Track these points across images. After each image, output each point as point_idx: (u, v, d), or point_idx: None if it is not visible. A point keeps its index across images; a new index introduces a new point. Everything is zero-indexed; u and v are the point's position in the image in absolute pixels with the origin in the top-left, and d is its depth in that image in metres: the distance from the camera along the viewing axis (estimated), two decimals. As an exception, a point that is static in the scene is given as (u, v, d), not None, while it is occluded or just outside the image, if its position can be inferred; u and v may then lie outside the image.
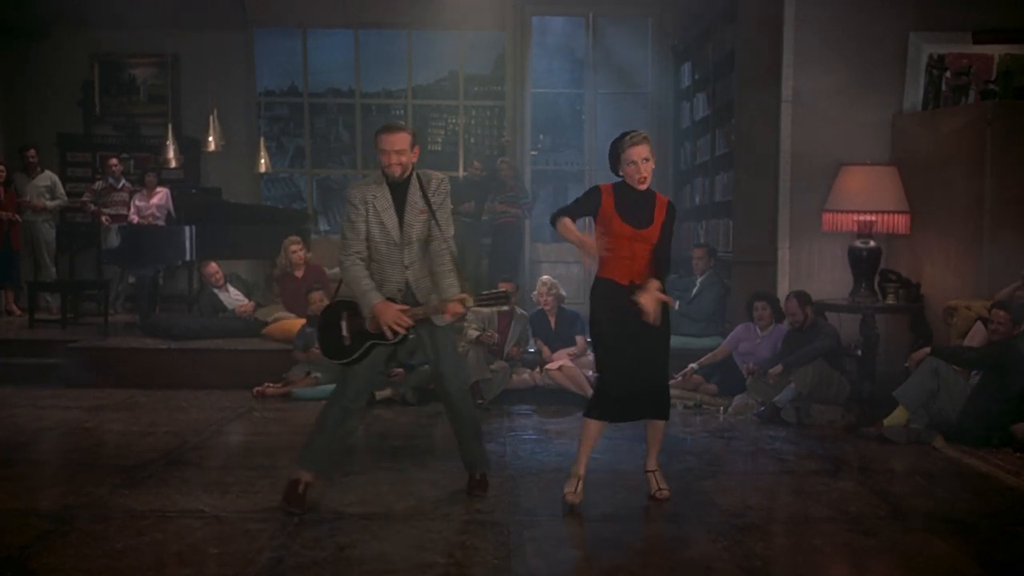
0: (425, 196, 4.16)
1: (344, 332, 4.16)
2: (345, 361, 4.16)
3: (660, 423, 4.38)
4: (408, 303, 4.14)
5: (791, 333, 6.45)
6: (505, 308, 3.98)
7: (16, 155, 9.71)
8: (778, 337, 6.56)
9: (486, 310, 3.94)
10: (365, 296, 4.09)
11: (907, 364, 5.81)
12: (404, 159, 4.09)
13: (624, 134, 4.22)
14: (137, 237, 8.50)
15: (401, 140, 4.09)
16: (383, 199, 4.15)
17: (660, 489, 4.36)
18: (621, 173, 4.24)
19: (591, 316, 4.33)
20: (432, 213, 4.15)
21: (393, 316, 4.02)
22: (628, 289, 4.16)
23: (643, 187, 4.19)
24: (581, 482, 4.25)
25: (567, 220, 4.16)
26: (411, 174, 4.19)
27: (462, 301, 4.01)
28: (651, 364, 4.24)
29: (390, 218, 4.14)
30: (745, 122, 7.44)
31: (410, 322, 4.06)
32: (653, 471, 4.42)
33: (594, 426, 4.28)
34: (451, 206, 4.26)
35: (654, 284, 4.08)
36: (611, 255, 4.20)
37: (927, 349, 5.73)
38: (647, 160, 4.16)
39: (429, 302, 4.13)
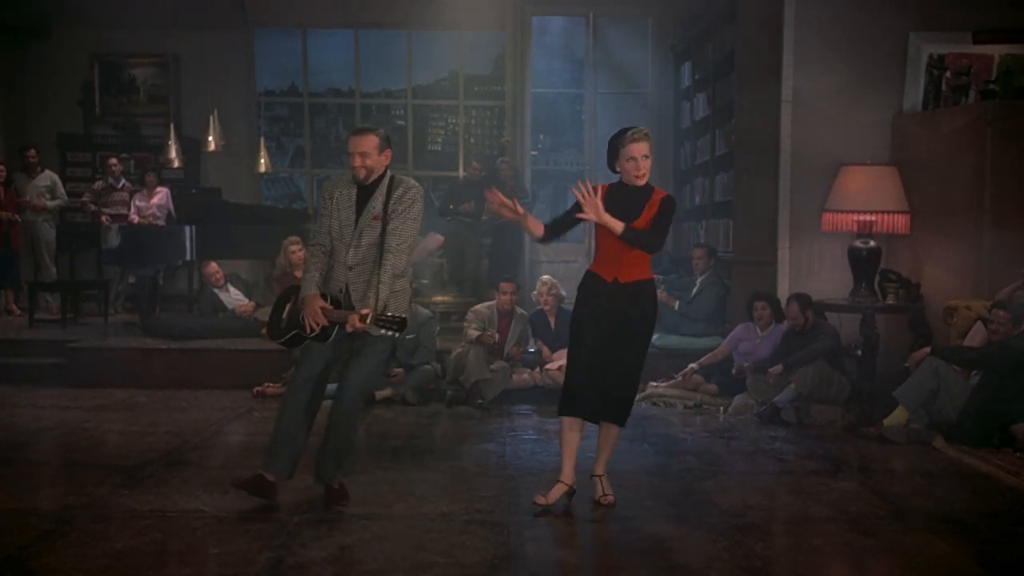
0: (386, 203, 4.12)
1: (284, 314, 4.30)
2: (276, 340, 4.35)
3: (614, 428, 4.28)
4: (346, 305, 4.13)
5: (790, 334, 6.45)
6: (396, 335, 4.00)
7: (16, 155, 9.70)
8: (778, 337, 6.56)
9: (381, 331, 3.96)
10: (303, 284, 4.18)
11: (907, 364, 5.81)
12: (369, 162, 4.09)
13: (625, 130, 4.15)
14: (137, 237, 8.50)
15: (366, 142, 4.09)
16: (346, 197, 4.17)
17: (604, 495, 4.25)
18: (619, 169, 4.18)
19: (573, 308, 4.31)
20: (385, 220, 4.10)
21: (311, 311, 4.07)
22: (611, 286, 4.15)
23: (640, 183, 4.13)
24: (558, 487, 4.16)
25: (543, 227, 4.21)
26: (384, 177, 4.16)
27: (362, 317, 3.96)
28: (620, 370, 4.16)
29: (347, 216, 4.16)
30: (745, 122, 7.44)
31: (324, 321, 4.06)
32: (600, 475, 4.29)
33: (566, 425, 4.20)
34: (415, 217, 4.13)
35: (613, 220, 4.02)
36: (600, 250, 4.20)
37: (927, 349, 5.73)
38: (647, 157, 4.11)
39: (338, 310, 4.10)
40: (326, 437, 4.20)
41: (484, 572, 3.45)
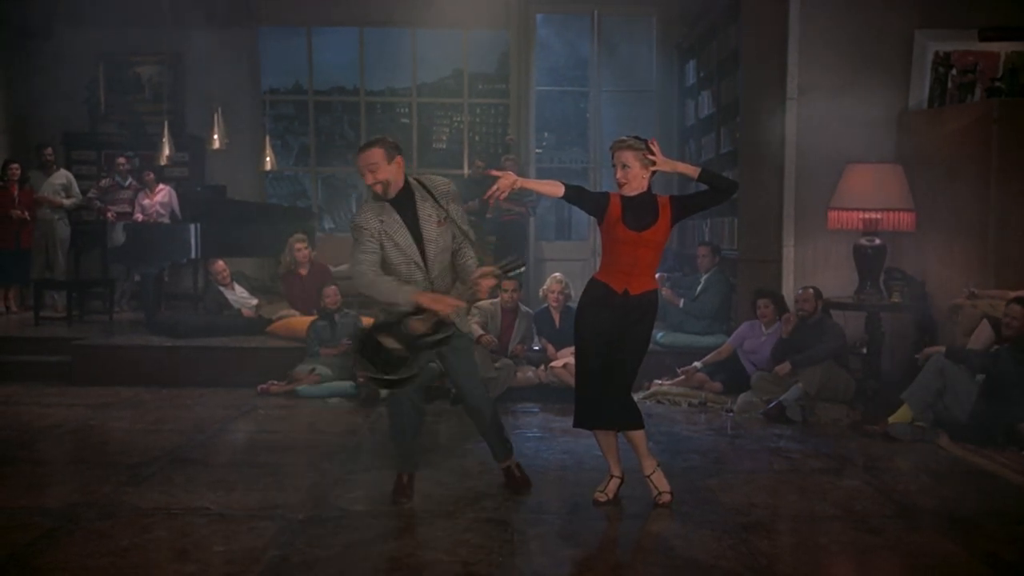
0: (438, 204, 4.06)
1: (393, 345, 3.85)
2: (411, 373, 3.89)
3: (636, 433, 4.25)
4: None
5: (792, 331, 6.43)
6: (523, 269, 3.98)
7: (25, 153, 9.73)
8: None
9: (512, 274, 3.97)
10: (399, 292, 3.92)
11: (918, 356, 5.79)
12: (381, 175, 3.95)
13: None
14: (142, 235, 8.52)
15: (371, 156, 3.95)
16: (391, 220, 4.00)
17: (660, 493, 4.26)
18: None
19: (577, 317, 4.28)
20: (454, 221, 4.08)
21: (442, 302, 3.89)
22: (622, 298, 4.15)
23: (625, 192, 4.16)
24: (612, 481, 4.29)
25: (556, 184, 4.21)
26: (405, 186, 4.06)
27: (487, 273, 3.92)
28: (619, 378, 4.17)
29: (404, 238, 4.00)
30: (750, 120, 7.42)
31: (459, 303, 3.95)
32: (648, 476, 4.31)
33: (595, 432, 4.30)
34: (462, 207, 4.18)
35: (684, 164, 4.33)
36: (612, 260, 4.18)
37: (941, 348, 5.69)
38: (626, 167, 4.14)
39: (458, 290, 4.03)
40: (483, 433, 4.43)
41: (489, 570, 3.45)
